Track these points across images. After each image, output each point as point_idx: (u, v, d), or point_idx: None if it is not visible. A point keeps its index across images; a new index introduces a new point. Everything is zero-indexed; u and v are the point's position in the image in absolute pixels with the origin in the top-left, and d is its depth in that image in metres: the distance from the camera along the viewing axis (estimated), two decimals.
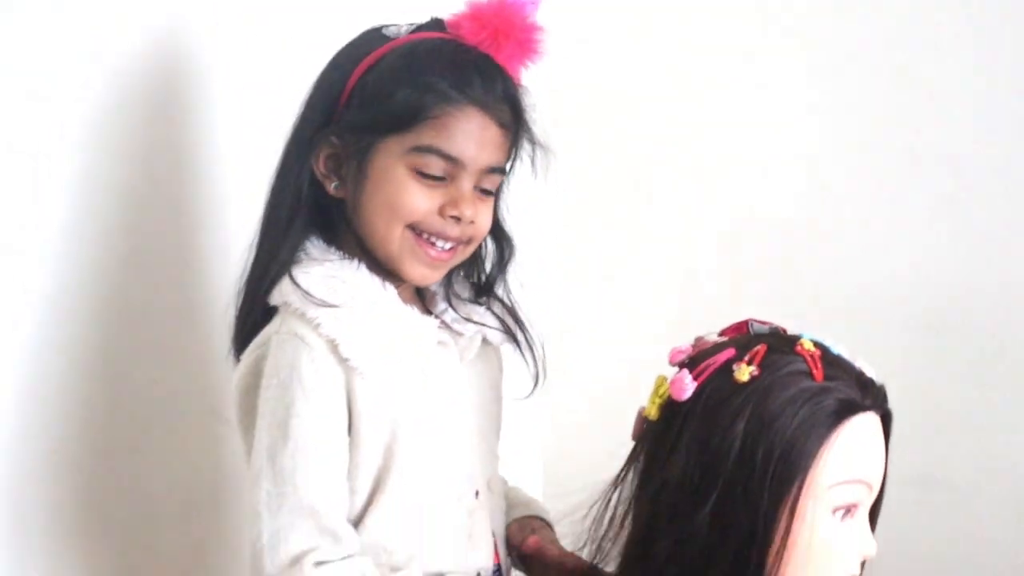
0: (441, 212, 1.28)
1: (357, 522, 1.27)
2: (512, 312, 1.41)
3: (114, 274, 1.48)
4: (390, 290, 1.29)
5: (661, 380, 1.24)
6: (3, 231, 1.35)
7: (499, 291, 1.41)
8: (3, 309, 1.36)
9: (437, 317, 1.36)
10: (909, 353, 1.90)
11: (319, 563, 1.22)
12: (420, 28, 1.30)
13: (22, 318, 1.38)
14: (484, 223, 1.32)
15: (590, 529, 1.28)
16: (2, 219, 1.35)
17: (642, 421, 1.26)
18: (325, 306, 1.25)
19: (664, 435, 1.22)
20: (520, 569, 1.44)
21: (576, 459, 1.86)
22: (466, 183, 1.28)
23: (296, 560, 1.22)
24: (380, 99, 1.26)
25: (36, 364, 1.39)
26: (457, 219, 1.28)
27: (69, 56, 1.39)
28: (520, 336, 1.40)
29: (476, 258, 1.39)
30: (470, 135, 1.27)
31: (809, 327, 1.26)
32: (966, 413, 1.89)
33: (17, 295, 1.37)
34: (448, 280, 1.39)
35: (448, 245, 1.30)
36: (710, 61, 2.09)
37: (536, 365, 1.41)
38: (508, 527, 1.43)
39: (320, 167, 1.29)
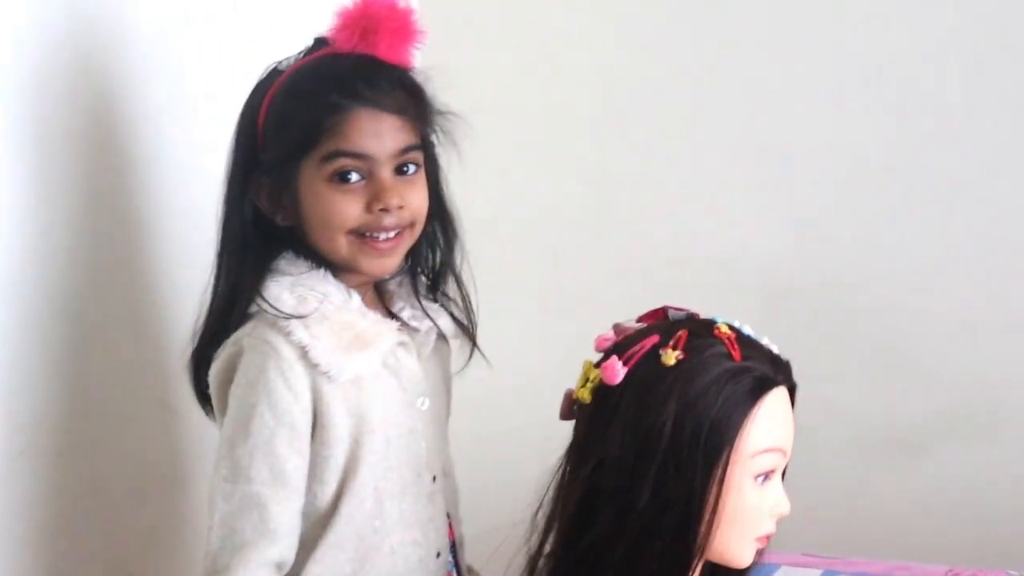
0: (369, 209, 1.33)
1: (331, 512, 1.34)
2: (465, 304, 1.47)
3: (67, 282, 1.50)
4: (355, 297, 1.36)
5: (589, 365, 1.30)
6: None
7: (450, 277, 1.47)
8: None
9: (396, 316, 1.41)
10: (762, 318, 2.00)
11: (248, 561, 1.30)
12: (305, 52, 1.36)
13: None
14: (417, 203, 1.37)
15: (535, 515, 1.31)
16: None
17: (571, 403, 1.32)
18: (295, 317, 1.30)
19: (597, 417, 1.28)
20: None
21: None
22: (384, 172, 1.34)
23: (237, 548, 1.30)
24: (283, 129, 1.33)
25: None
26: (385, 210, 1.33)
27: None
28: (470, 328, 1.47)
29: (423, 245, 1.44)
30: (365, 131, 1.33)
31: (682, 302, 1.36)
32: (810, 366, 1.97)
33: None
34: (406, 279, 1.45)
35: (391, 234, 1.35)
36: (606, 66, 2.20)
37: (472, 351, 1.49)
38: None
39: (264, 204, 1.35)
